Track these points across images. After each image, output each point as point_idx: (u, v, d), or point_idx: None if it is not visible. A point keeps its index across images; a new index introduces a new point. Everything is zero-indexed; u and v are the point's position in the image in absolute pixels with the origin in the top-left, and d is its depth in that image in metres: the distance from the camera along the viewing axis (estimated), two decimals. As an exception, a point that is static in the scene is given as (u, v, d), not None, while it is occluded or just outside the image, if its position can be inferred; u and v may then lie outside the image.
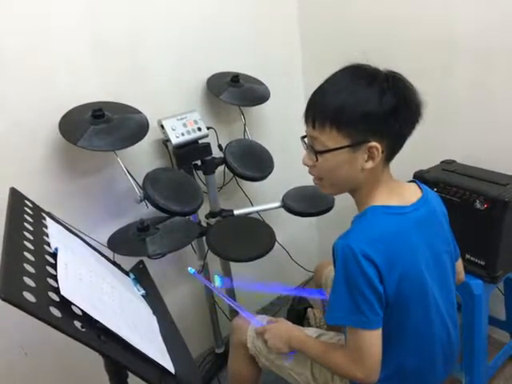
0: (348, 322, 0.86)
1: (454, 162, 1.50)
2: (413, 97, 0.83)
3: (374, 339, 0.84)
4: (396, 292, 0.84)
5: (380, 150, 0.82)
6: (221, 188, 1.69)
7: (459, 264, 1.08)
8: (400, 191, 0.91)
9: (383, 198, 0.88)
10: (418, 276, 0.87)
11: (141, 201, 1.31)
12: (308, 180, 1.02)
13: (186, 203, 1.35)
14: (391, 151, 0.86)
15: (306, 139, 0.90)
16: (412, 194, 0.92)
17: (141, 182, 1.33)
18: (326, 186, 0.93)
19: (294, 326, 1.12)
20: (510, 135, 1.43)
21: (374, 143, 0.82)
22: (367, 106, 0.80)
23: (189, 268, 1.25)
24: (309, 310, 1.55)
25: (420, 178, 1.40)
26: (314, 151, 0.86)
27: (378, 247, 0.81)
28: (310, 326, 1.62)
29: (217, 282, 1.20)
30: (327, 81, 0.87)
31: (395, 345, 0.90)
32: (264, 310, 2.04)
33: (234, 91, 1.55)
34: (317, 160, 0.87)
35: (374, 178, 0.88)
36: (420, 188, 0.96)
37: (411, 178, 1.40)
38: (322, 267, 1.42)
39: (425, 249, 0.89)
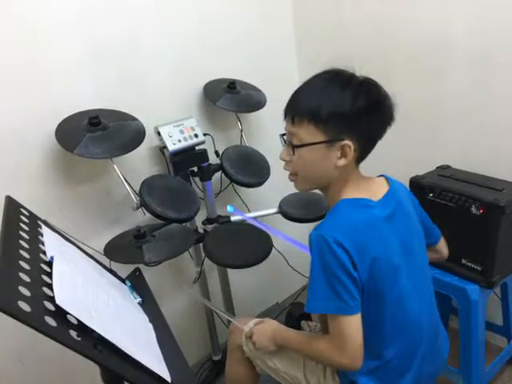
0: (328, 310, 0.88)
1: (449, 167, 1.51)
2: (385, 101, 0.90)
3: (354, 324, 0.87)
4: (369, 278, 0.87)
5: (352, 149, 0.88)
6: (218, 194, 1.69)
7: (441, 244, 1.13)
8: (368, 187, 0.96)
9: (352, 192, 0.93)
10: (389, 262, 0.90)
11: (137, 208, 1.32)
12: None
13: (183, 210, 1.35)
14: (362, 152, 0.92)
15: (284, 137, 0.96)
16: (379, 188, 0.98)
17: (137, 189, 1.33)
18: (299, 182, 0.98)
19: (278, 324, 1.14)
20: (506, 140, 1.44)
21: (347, 141, 0.87)
22: (341, 107, 0.86)
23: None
24: (302, 322, 1.55)
25: (416, 183, 1.41)
26: (292, 146, 0.92)
27: (349, 235, 0.86)
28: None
29: (228, 208, 1.22)
30: (306, 83, 0.93)
31: (375, 333, 0.92)
32: (260, 317, 2.03)
33: (231, 98, 1.56)
34: (293, 154, 0.92)
35: (344, 176, 0.93)
36: (388, 181, 1.00)
37: (407, 184, 1.41)
38: None
39: (395, 239, 0.93)
